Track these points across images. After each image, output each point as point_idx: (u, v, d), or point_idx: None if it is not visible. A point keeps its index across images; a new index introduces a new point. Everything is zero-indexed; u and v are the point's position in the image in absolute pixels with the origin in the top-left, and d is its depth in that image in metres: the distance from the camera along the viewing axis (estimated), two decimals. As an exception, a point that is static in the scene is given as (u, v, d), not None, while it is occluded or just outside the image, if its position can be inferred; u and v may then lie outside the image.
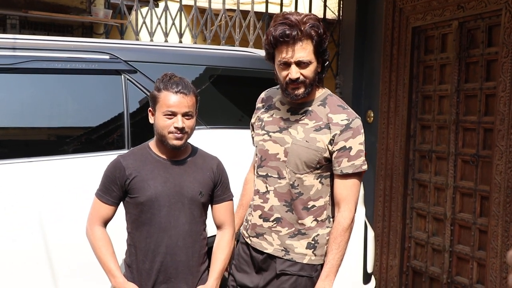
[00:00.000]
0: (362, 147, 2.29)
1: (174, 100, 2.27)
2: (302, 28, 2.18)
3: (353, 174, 2.28)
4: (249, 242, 2.47)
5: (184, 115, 2.29)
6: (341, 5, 5.81)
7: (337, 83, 5.72)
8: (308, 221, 2.34)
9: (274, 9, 6.22)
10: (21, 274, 2.61)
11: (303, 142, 2.29)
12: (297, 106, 2.36)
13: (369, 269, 3.40)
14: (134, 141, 2.84)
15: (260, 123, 2.47)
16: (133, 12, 5.60)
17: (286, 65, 2.24)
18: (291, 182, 2.33)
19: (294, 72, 2.23)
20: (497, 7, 3.89)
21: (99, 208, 2.35)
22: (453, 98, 4.35)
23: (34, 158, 2.68)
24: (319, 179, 2.33)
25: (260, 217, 2.41)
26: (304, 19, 2.20)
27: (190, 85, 2.34)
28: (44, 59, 2.76)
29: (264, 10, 5.84)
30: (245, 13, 5.78)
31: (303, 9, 6.21)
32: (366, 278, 3.38)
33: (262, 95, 2.57)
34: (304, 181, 2.32)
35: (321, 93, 2.37)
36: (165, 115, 2.28)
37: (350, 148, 2.25)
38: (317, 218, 2.35)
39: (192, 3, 5.73)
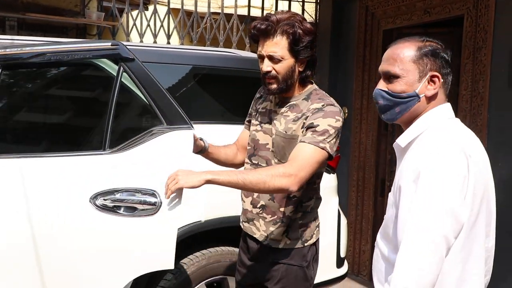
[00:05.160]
0: (331, 130, 2.12)
1: None
2: (277, 25, 2.14)
3: (311, 145, 2.10)
4: (242, 227, 2.45)
5: None
6: (318, 9, 5.82)
7: (313, 81, 5.73)
8: (289, 209, 2.29)
9: (256, 12, 6.21)
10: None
11: (282, 132, 2.24)
12: (283, 100, 2.30)
13: (342, 254, 3.43)
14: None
15: (255, 113, 2.43)
16: (124, 15, 5.55)
17: (262, 58, 2.21)
18: None
19: (266, 65, 2.19)
20: (460, 13, 3.92)
21: None
22: (420, 96, 4.38)
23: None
24: None
25: (250, 203, 2.36)
26: (285, 18, 2.15)
27: None
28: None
29: (246, 14, 5.83)
30: (228, 16, 5.76)
31: (283, 12, 6.20)
32: (340, 262, 3.40)
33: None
34: None
35: (307, 88, 2.32)
36: None
37: (318, 125, 2.13)
38: (299, 208, 2.30)
39: (179, 6, 5.69)
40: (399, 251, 1.55)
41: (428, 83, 1.66)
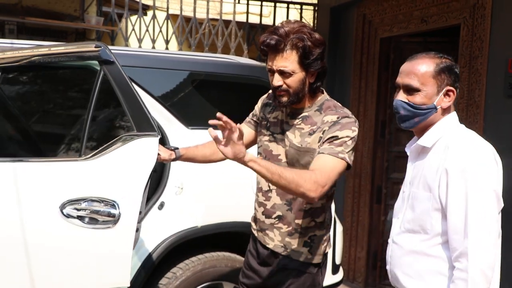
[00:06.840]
0: (348, 140, 2.11)
1: None
2: (287, 39, 2.11)
3: (331, 156, 2.08)
4: (256, 235, 2.42)
5: None
6: (316, 17, 5.84)
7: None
8: (305, 221, 2.27)
9: (254, 19, 6.21)
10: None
11: (298, 146, 2.21)
12: (295, 111, 2.27)
13: (338, 261, 3.41)
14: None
15: (266, 122, 2.38)
16: (123, 20, 5.56)
17: (272, 72, 2.19)
18: None
19: (276, 80, 2.17)
20: (456, 22, 3.93)
21: None
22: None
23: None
24: None
25: (263, 213, 2.34)
26: (294, 30, 2.12)
27: None
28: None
29: (245, 20, 5.84)
30: (227, 23, 5.77)
31: (280, 20, 6.22)
32: (335, 269, 3.39)
33: (271, 91, 2.39)
34: None
35: (319, 99, 2.27)
36: None
37: (336, 137, 2.11)
38: (315, 219, 2.28)
39: (178, 12, 5.70)
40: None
41: (444, 96, 1.86)
